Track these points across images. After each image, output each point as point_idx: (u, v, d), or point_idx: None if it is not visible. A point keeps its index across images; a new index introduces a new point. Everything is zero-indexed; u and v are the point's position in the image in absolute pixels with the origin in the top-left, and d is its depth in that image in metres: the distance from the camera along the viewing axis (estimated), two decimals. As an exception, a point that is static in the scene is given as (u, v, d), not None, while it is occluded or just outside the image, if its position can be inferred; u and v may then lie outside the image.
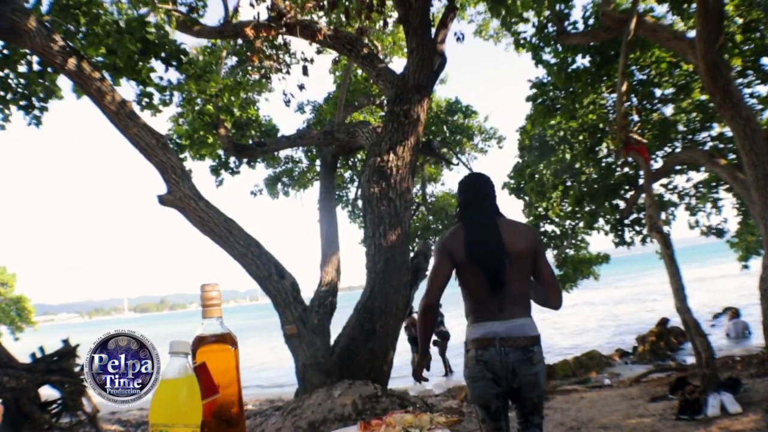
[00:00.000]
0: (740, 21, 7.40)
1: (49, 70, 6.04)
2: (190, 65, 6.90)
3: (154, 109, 6.81)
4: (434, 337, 12.76)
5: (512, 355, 2.37)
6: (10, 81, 6.23)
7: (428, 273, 2.91)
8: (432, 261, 2.84)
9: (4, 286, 20.47)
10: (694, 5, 6.38)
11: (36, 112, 6.43)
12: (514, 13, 7.42)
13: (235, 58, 10.54)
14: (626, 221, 9.94)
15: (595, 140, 9.53)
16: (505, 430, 2.46)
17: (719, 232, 10.30)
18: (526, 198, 10.62)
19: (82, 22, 5.94)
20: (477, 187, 2.69)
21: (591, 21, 7.73)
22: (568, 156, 9.42)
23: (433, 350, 12.97)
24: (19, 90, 6.30)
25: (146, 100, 6.60)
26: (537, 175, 10.01)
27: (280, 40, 8.21)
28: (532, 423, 2.46)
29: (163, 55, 6.17)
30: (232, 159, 10.71)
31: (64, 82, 6.44)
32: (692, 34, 5.87)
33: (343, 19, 8.18)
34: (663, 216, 9.03)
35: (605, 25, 6.80)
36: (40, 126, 6.52)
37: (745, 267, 12.23)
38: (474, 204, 2.63)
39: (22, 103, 6.30)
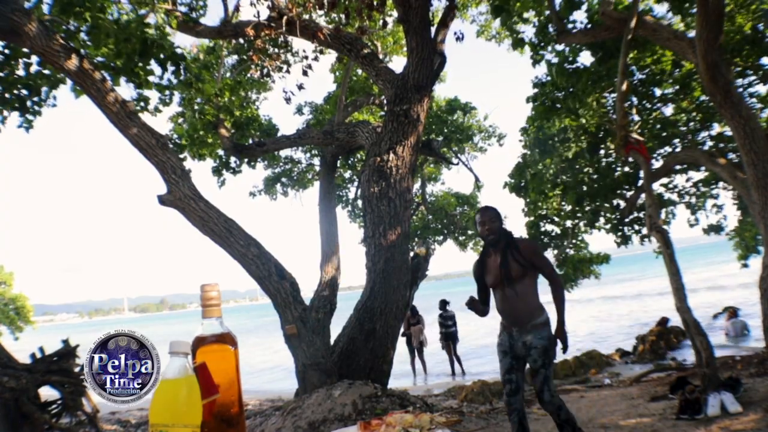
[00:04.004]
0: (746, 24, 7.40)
1: (47, 72, 6.03)
2: (186, 70, 6.88)
3: (148, 111, 6.80)
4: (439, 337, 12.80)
5: None
6: (8, 83, 6.20)
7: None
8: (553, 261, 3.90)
9: (2, 285, 20.45)
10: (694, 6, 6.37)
11: (29, 116, 6.39)
12: (515, 15, 7.43)
13: (236, 57, 10.54)
14: (626, 220, 9.94)
15: (595, 139, 9.53)
16: None
17: (719, 230, 10.32)
18: (527, 197, 10.62)
19: (82, 21, 5.92)
20: None
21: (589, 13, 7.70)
22: (570, 154, 9.42)
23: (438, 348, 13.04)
24: (15, 92, 6.26)
25: (142, 103, 6.57)
26: (537, 175, 10.01)
27: (281, 39, 8.21)
28: None
29: (161, 56, 6.16)
30: (232, 159, 10.71)
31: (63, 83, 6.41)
32: (692, 33, 5.87)
33: (344, 18, 8.17)
34: (663, 215, 9.03)
35: (606, 25, 6.80)
36: (30, 130, 6.48)
37: (745, 266, 12.24)
38: None
39: (17, 105, 6.27)
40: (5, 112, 6.37)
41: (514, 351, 3.67)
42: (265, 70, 8.63)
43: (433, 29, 6.73)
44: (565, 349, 3.72)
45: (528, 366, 3.67)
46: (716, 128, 8.89)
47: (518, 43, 8.34)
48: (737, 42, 7.30)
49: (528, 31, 8.78)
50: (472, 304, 3.85)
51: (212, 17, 8.42)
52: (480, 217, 3.89)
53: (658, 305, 17.83)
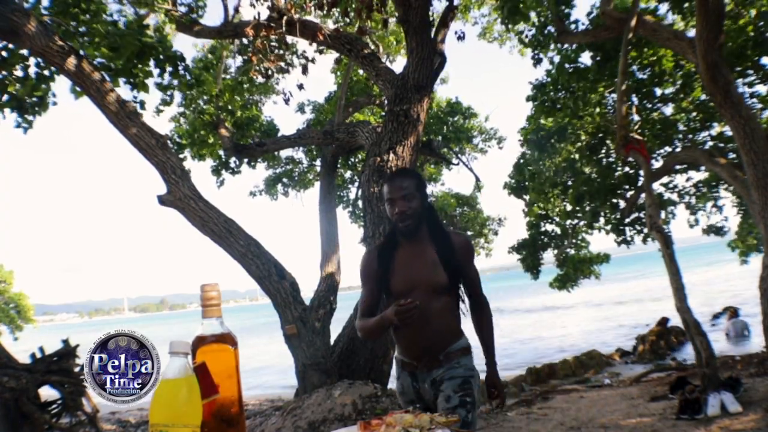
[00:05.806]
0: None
1: (47, 73, 6.00)
2: (186, 71, 6.84)
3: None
4: None
5: None
6: (6, 83, 6.17)
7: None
8: None
9: (2, 283, 20.46)
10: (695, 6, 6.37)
11: (29, 116, 6.33)
12: (524, 16, 7.43)
13: (240, 59, 10.54)
14: (627, 220, 9.95)
15: (595, 139, 9.53)
16: None
17: (719, 231, 10.33)
18: (527, 197, 10.63)
19: (82, 19, 5.91)
20: None
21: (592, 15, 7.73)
22: (569, 154, 9.43)
23: None
24: (14, 93, 6.22)
25: (138, 107, 6.56)
26: (537, 174, 10.01)
27: (283, 39, 8.20)
28: None
29: (160, 57, 6.14)
30: (232, 159, 10.71)
31: (63, 84, 6.40)
32: (692, 33, 5.87)
33: (347, 18, 8.16)
34: (663, 215, 9.03)
35: (606, 25, 6.80)
36: (28, 132, 6.41)
37: (745, 262, 12.27)
38: None
39: (15, 105, 6.21)
40: (1, 113, 6.31)
41: (423, 398, 2.34)
42: (269, 71, 8.63)
43: (433, 29, 6.73)
44: (502, 403, 2.47)
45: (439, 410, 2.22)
46: (716, 128, 8.89)
47: (523, 43, 8.37)
48: (740, 44, 7.30)
49: (530, 31, 8.86)
50: (404, 314, 2.06)
51: (212, 18, 8.43)
52: (390, 188, 2.30)
53: (658, 305, 17.83)
